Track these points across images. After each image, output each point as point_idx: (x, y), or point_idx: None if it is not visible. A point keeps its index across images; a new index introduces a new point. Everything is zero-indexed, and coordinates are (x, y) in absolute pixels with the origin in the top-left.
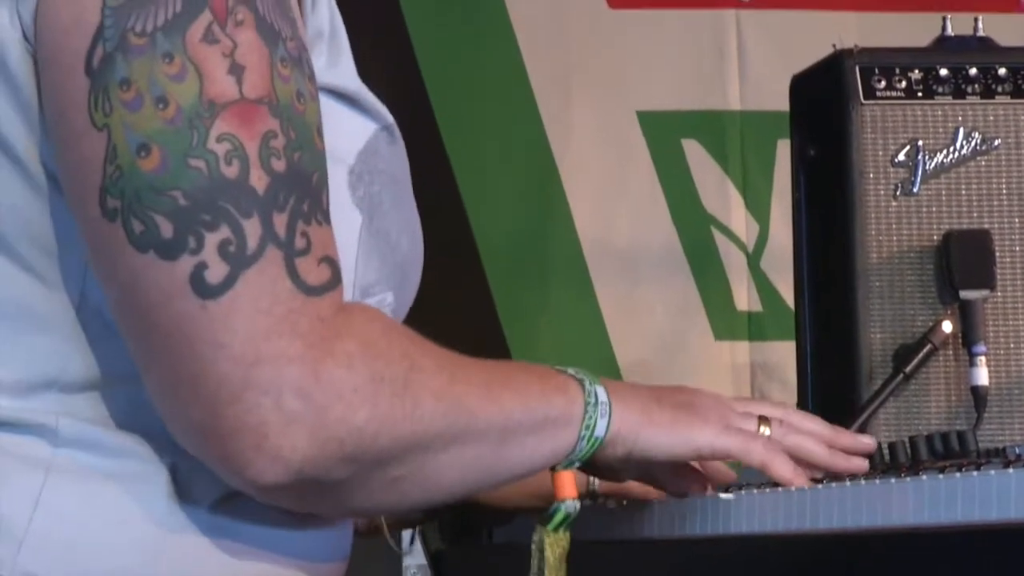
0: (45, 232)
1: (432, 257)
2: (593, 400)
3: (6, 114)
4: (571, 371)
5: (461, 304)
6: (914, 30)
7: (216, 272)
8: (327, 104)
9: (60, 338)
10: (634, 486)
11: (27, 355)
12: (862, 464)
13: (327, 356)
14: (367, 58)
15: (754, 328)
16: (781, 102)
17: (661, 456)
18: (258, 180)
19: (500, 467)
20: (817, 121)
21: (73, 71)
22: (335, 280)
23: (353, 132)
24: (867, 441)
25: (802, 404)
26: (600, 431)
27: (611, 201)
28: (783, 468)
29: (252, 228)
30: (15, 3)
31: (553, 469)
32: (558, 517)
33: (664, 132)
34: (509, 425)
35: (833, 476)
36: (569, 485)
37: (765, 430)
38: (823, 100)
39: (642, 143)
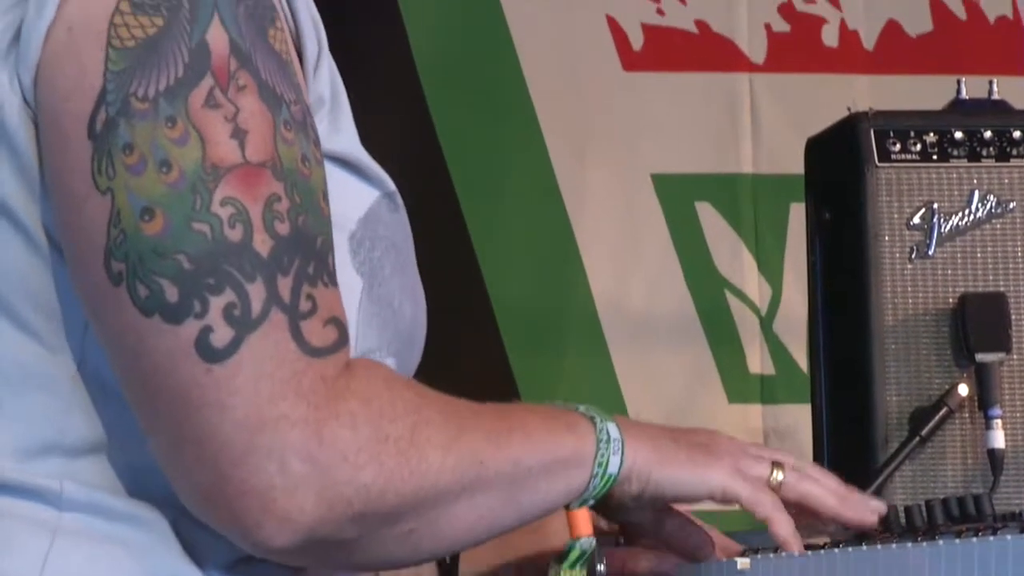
0: (46, 294)
1: (448, 320)
2: (605, 437)
3: (7, 178)
4: (581, 408)
5: (477, 367)
6: (928, 92)
7: (221, 336)
8: (329, 170)
9: (60, 401)
10: (643, 565)
11: (28, 417)
12: (871, 518)
13: (331, 417)
14: (383, 122)
15: (767, 391)
16: (794, 165)
17: (673, 494)
18: (262, 243)
19: (513, 513)
20: (832, 184)
21: (76, 135)
22: (341, 341)
23: (354, 198)
24: (877, 504)
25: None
26: (613, 468)
27: (626, 263)
28: (784, 528)
29: (256, 292)
30: (15, 66)
31: (567, 507)
32: (573, 555)
33: (678, 195)
34: (519, 471)
35: (848, 539)
36: (584, 523)
37: (779, 474)
38: (838, 163)
39: (656, 206)
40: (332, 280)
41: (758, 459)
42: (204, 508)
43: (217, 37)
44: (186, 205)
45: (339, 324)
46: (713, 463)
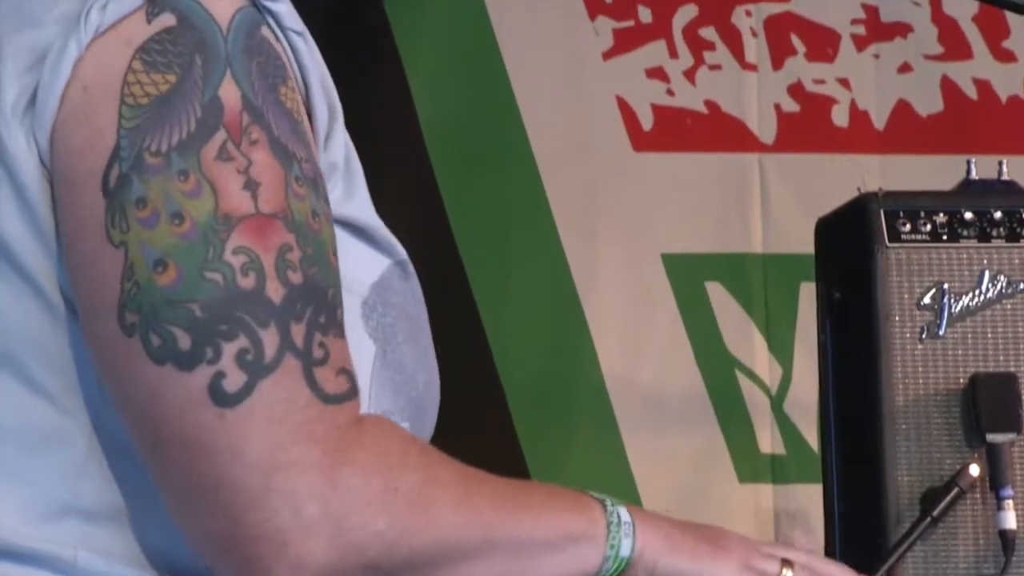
0: (61, 355)
1: (456, 396)
2: (616, 520)
3: (23, 238)
4: (592, 494)
5: (484, 443)
6: (940, 172)
7: (234, 381)
8: (341, 236)
9: (75, 462)
10: None
11: (41, 479)
12: None
13: (343, 464)
14: (390, 195)
15: (778, 471)
16: (804, 245)
17: None
18: (275, 291)
19: None
20: (842, 264)
21: (90, 192)
22: (353, 391)
23: (367, 265)
24: None
25: (828, 546)
26: (625, 551)
27: (635, 342)
28: None
29: (270, 337)
30: (31, 128)
31: None
32: None
33: (688, 274)
34: (528, 540)
35: None
36: None
37: (788, 573)
38: (848, 243)
39: (666, 285)
40: (342, 332)
41: (768, 556)
42: (217, 557)
43: (229, 92)
44: (199, 255)
45: (350, 375)
46: (722, 557)
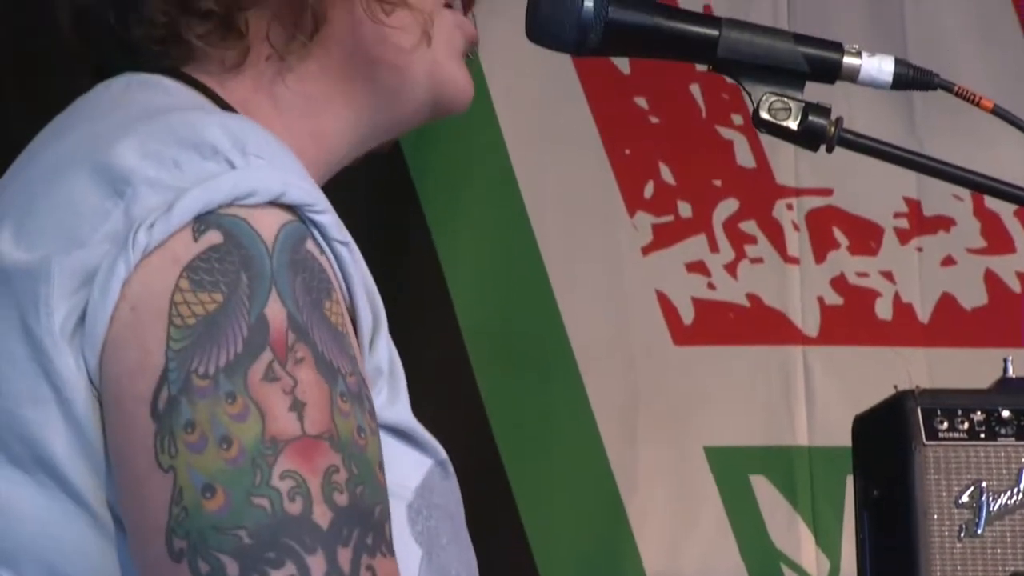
0: (110, 572)
1: None
2: None
3: (72, 457)
4: None
5: None
6: (985, 366)
7: None
8: (385, 440)
9: None
10: None
11: None
12: None
13: None
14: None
15: None
16: (849, 438)
17: None
18: (322, 516)
19: None
20: (880, 461)
21: (139, 415)
22: None
23: (410, 468)
24: None
25: None
26: None
27: (679, 536)
28: None
29: (317, 564)
30: (81, 348)
31: None
32: None
33: (732, 468)
34: None
35: None
36: None
37: None
38: (886, 441)
39: (710, 479)
40: (390, 550)
41: None
42: None
43: (275, 311)
44: (247, 480)
45: None
46: None
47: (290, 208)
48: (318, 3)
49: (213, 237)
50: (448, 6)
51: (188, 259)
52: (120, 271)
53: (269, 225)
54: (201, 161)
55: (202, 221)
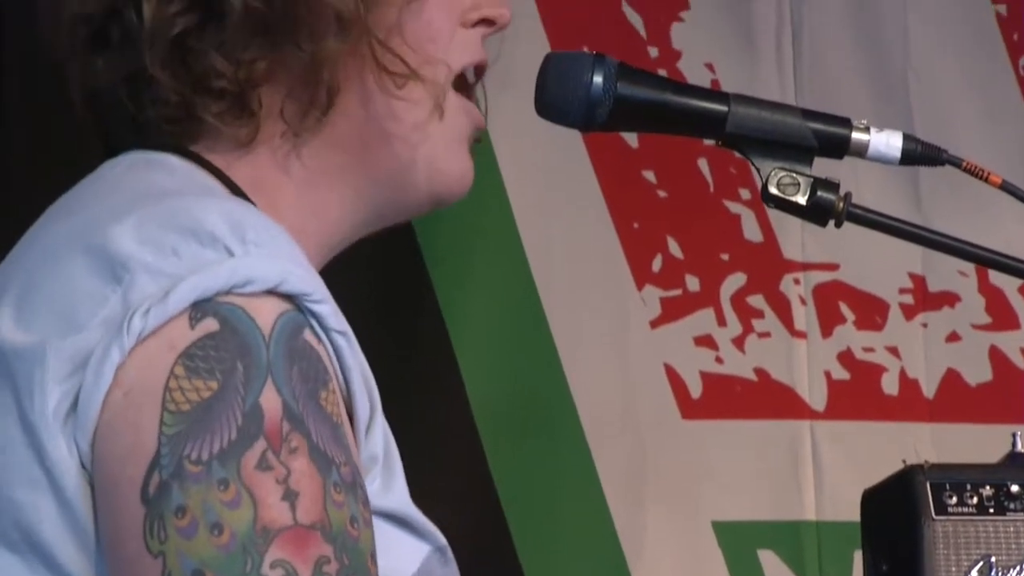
0: None
1: None
2: None
3: (63, 541)
4: None
5: None
6: (991, 441)
7: None
8: (381, 527)
9: None
10: None
11: None
12: None
13: None
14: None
15: None
16: (857, 512)
17: None
18: None
19: None
20: (889, 536)
21: (129, 499)
22: None
23: (407, 554)
24: None
25: None
26: None
27: None
28: None
29: None
30: (73, 432)
31: None
32: None
33: (740, 542)
34: None
35: None
36: None
37: None
38: (895, 515)
39: (718, 553)
40: None
41: None
42: None
43: (270, 400)
44: (237, 567)
45: None
46: None
47: (288, 297)
48: (332, 78)
49: (210, 324)
50: (458, 83)
51: (184, 346)
52: (114, 356)
53: (267, 313)
54: (200, 248)
55: (199, 308)
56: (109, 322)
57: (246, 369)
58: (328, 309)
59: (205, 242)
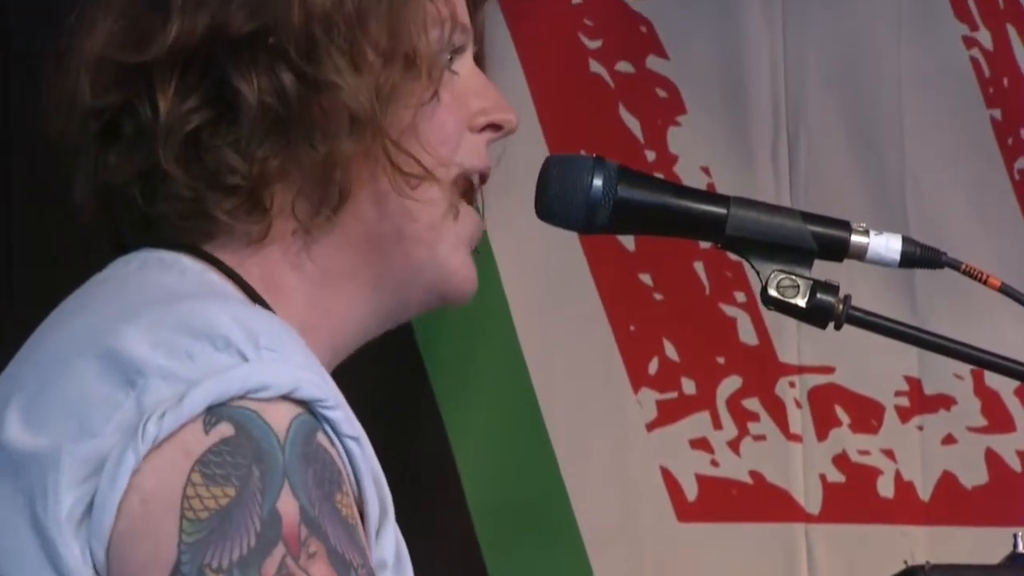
0: None
1: None
2: None
3: None
4: None
5: None
6: (987, 545)
7: None
8: None
9: None
10: None
11: None
12: None
13: None
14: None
15: None
16: None
17: None
18: None
19: None
20: None
21: None
22: None
23: None
24: None
25: None
26: None
27: None
28: None
29: None
30: (87, 538)
31: None
32: None
33: None
34: None
35: None
36: None
37: None
38: None
39: None
40: None
41: None
42: None
43: (288, 505)
44: None
45: None
46: None
47: (301, 402)
48: (344, 177)
49: (225, 430)
50: (463, 186)
51: (200, 452)
52: (129, 462)
53: (281, 418)
54: (214, 352)
55: (213, 413)
56: (124, 427)
57: (263, 475)
58: (341, 415)
59: (219, 346)
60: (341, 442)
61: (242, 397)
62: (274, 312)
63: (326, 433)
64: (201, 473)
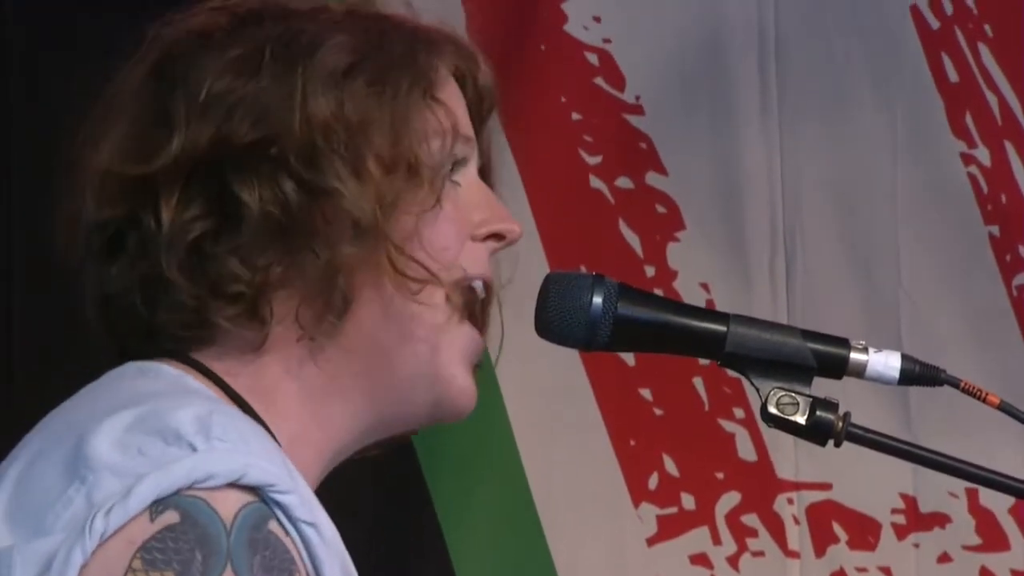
0: None
1: None
2: None
3: None
4: None
5: None
6: None
7: None
8: None
9: None
10: None
11: None
12: None
13: None
14: None
15: None
16: None
17: None
18: None
19: None
20: None
21: None
22: None
23: None
24: None
25: None
26: None
27: None
28: None
29: None
30: None
31: None
32: None
33: None
34: None
35: None
36: None
37: None
38: None
39: None
40: None
41: None
42: None
43: None
44: None
45: None
46: None
47: (252, 489)
48: (347, 282)
49: (170, 517)
50: (465, 296)
51: (143, 540)
52: (76, 559)
53: (229, 504)
54: (164, 447)
55: (160, 503)
56: (73, 523)
57: (205, 559)
58: (294, 500)
59: (169, 440)
60: (297, 529)
61: (189, 487)
62: (261, 418)
63: (279, 521)
64: (142, 559)
